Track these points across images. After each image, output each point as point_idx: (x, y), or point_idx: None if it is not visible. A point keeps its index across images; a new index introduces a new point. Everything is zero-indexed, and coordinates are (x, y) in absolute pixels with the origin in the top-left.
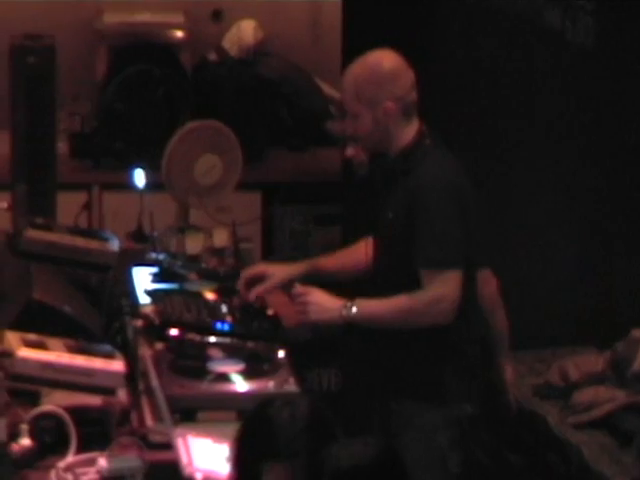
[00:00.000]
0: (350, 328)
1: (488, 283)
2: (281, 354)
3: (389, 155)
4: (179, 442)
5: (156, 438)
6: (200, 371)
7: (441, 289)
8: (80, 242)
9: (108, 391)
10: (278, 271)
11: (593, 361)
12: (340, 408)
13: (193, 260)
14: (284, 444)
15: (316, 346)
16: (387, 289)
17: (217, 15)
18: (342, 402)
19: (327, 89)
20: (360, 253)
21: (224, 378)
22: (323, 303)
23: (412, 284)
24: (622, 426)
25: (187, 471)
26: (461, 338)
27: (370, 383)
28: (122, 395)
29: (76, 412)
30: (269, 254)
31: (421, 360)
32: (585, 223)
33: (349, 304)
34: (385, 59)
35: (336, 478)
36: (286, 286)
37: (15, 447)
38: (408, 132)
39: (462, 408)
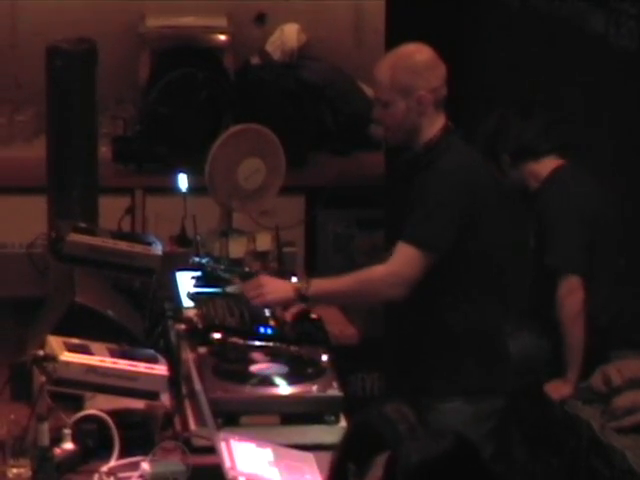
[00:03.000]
0: (390, 331)
1: (572, 293)
2: (324, 358)
3: (413, 149)
4: (222, 446)
5: (199, 442)
6: (243, 375)
7: (399, 266)
8: (123, 246)
9: (151, 395)
10: None
11: (635, 366)
12: None
13: (236, 264)
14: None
15: (360, 350)
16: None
17: (260, 19)
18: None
19: (371, 93)
20: None
21: (267, 382)
22: (277, 284)
23: (434, 285)
24: None
25: (230, 475)
26: (468, 330)
27: (403, 381)
28: (165, 399)
29: (119, 416)
30: (312, 258)
31: (441, 354)
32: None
33: (304, 282)
34: (422, 50)
35: (408, 473)
36: None
37: (58, 451)
38: (435, 126)
39: (492, 402)
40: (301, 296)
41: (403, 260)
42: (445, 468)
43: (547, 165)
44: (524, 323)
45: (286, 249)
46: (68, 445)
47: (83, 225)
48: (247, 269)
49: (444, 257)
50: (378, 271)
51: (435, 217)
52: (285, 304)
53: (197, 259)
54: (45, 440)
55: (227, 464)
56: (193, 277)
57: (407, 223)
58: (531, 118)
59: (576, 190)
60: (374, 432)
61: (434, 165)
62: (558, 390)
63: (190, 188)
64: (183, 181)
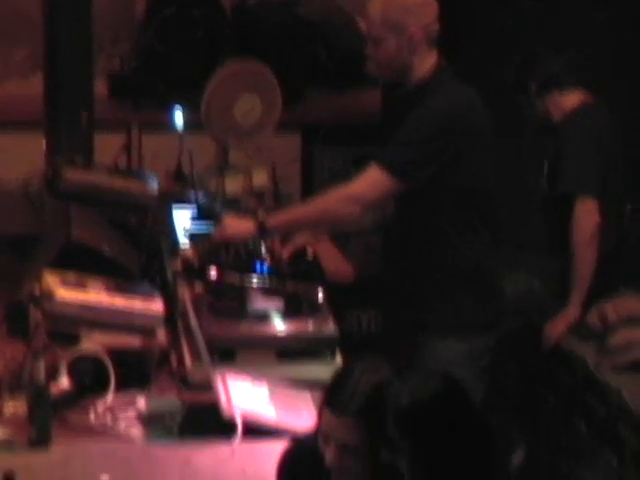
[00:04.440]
0: (387, 268)
1: (586, 216)
2: (320, 295)
3: (406, 86)
4: (218, 383)
5: (195, 379)
6: (239, 312)
7: (362, 186)
8: (119, 183)
9: (147, 332)
10: None
11: (632, 304)
12: (380, 349)
13: (232, 201)
14: (338, 399)
15: (355, 287)
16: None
17: None
18: (382, 343)
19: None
20: None
21: (263, 319)
22: (238, 221)
23: (427, 223)
24: None
25: (226, 412)
26: (462, 267)
27: (399, 320)
28: (161, 336)
29: (115, 353)
30: (308, 195)
31: (435, 291)
32: None
33: (264, 215)
34: None
35: (398, 415)
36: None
37: (54, 388)
38: (427, 63)
39: (486, 340)
40: (262, 229)
41: (368, 181)
42: (435, 409)
43: (571, 99)
44: (519, 262)
45: (283, 186)
46: (64, 382)
47: (79, 162)
48: (243, 206)
49: (434, 195)
50: (336, 192)
51: (411, 149)
52: (247, 238)
53: (193, 196)
54: (41, 377)
55: (223, 401)
56: (189, 214)
57: (384, 149)
58: (562, 52)
59: (597, 125)
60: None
61: (425, 103)
62: (558, 325)
63: (186, 125)
64: (179, 118)
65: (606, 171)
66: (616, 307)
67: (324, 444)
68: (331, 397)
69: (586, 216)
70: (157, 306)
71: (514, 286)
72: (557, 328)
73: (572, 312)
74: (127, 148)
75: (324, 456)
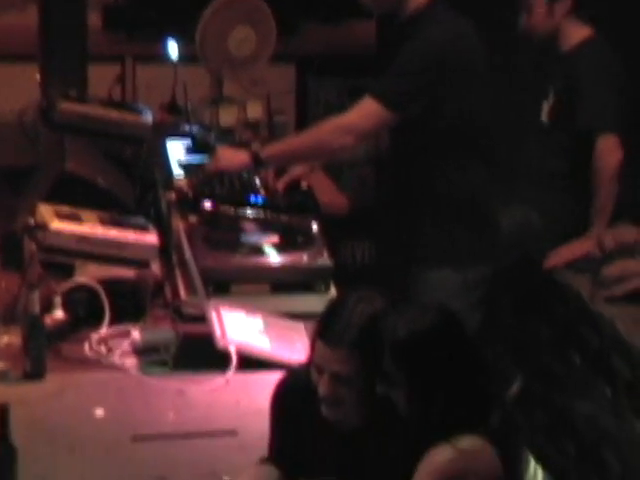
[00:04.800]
0: (381, 200)
1: (609, 153)
2: (315, 227)
3: (400, 18)
4: (212, 315)
5: (190, 311)
6: (233, 244)
7: (356, 117)
8: (114, 114)
9: (142, 264)
10: None
11: (630, 233)
12: (375, 281)
13: (227, 132)
14: (331, 330)
15: (350, 219)
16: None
17: None
18: (376, 275)
19: None
20: None
21: (257, 251)
22: (232, 152)
23: (421, 154)
24: None
25: (220, 343)
26: (456, 197)
27: (393, 251)
28: (156, 268)
29: (109, 285)
30: (303, 127)
31: (430, 221)
32: None
33: (259, 147)
34: None
35: (395, 347)
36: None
37: (48, 319)
38: None
39: (481, 271)
40: (256, 160)
41: (362, 112)
42: (431, 341)
43: (580, 31)
44: (516, 195)
45: (277, 118)
46: (58, 313)
47: (74, 93)
48: (237, 138)
49: (428, 127)
50: (330, 123)
51: (405, 80)
52: (241, 169)
53: (187, 127)
54: (35, 308)
55: (217, 332)
56: (184, 146)
57: (377, 80)
58: None
59: (609, 58)
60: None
61: (419, 34)
62: (579, 247)
63: (181, 56)
64: (173, 49)
65: (622, 104)
66: (614, 236)
67: (318, 375)
68: (325, 328)
69: (609, 153)
70: (151, 238)
71: (511, 219)
72: (565, 254)
73: (588, 244)
74: (121, 80)
75: (318, 387)
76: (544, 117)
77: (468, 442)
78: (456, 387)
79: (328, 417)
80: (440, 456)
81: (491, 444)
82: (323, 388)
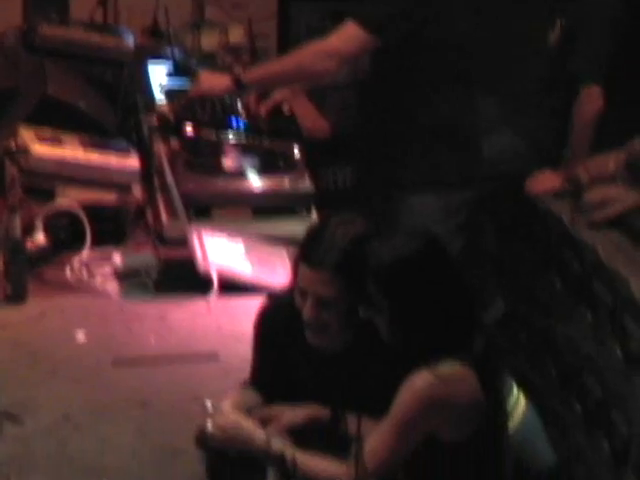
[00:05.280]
0: (362, 124)
1: (590, 101)
2: (297, 151)
3: None
4: (194, 239)
5: (171, 235)
6: (215, 168)
7: (337, 41)
8: (95, 38)
9: (123, 188)
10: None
11: (603, 163)
12: (356, 205)
13: (208, 56)
14: (315, 252)
15: (332, 144)
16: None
17: None
18: (357, 199)
19: None
20: None
21: (239, 175)
22: (214, 76)
23: (402, 79)
24: (636, 225)
25: (202, 267)
26: (438, 122)
27: (375, 176)
28: (137, 192)
29: (91, 209)
30: (285, 51)
31: (412, 146)
32: None
33: (240, 70)
34: None
35: (379, 272)
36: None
37: (30, 243)
38: None
39: (463, 196)
40: (238, 84)
41: (344, 36)
42: (415, 267)
43: None
44: (501, 121)
45: (259, 42)
46: (40, 237)
47: (55, 16)
48: (219, 62)
49: (410, 51)
50: (312, 47)
51: (387, 4)
52: (223, 93)
53: (169, 51)
54: (17, 232)
55: (199, 257)
56: (165, 69)
57: (359, 4)
58: None
59: (612, 4)
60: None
61: None
62: (546, 182)
63: None
64: None
65: (617, 51)
66: (587, 168)
67: (301, 300)
68: (307, 251)
69: (589, 102)
70: (133, 162)
71: (494, 144)
72: (539, 187)
73: (556, 182)
74: (103, 3)
75: (302, 312)
76: (550, 44)
77: (448, 368)
78: (439, 313)
79: (312, 342)
80: (420, 381)
81: (472, 370)
82: (307, 312)
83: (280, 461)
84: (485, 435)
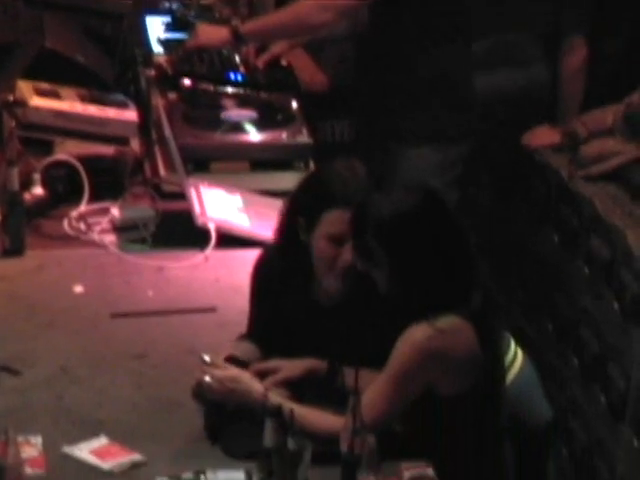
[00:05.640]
0: (361, 77)
1: (574, 51)
2: (294, 105)
3: None
4: (192, 192)
5: (169, 188)
6: (213, 121)
7: None
8: None
9: (121, 141)
10: None
11: (601, 117)
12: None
13: (206, 9)
14: (347, 194)
15: (329, 97)
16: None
17: None
18: (354, 153)
19: None
20: None
21: (237, 128)
22: (211, 28)
23: (401, 31)
24: (633, 179)
25: (200, 220)
26: (436, 74)
27: (373, 129)
28: (135, 145)
29: (89, 161)
30: (282, 3)
31: (410, 99)
32: None
33: (238, 22)
34: None
35: (379, 227)
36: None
37: (28, 196)
38: None
39: (460, 149)
40: (236, 35)
41: None
42: (415, 221)
43: None
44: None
45: None
46: (38, 190)
47: None
48: (217, 15)
49: (408, 3)
50: (304, 5)
51: None
52: (221, 45)
53: (167, 4)
54: (15, 185)
55: (196, 210)
56: (163, 22)
57: None
58: None
59: None
60: (323, 189)
61: None
62: (544, 136)
63: None
64: None
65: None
66: (585, 122)
67: (331, 246)
68: (340, 195)
69: (573, 52)
70: (131, 115)
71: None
72: (537, 142)
73: (555, 137)
74: None
75: (331, 261)
76: None
77: (447, 321)
78: (438, 267)
79: (338, 290)
80: (418, 333)
81: (470, 324)
82: (347, 257)
83: (277, 414)
84: (483, 389)
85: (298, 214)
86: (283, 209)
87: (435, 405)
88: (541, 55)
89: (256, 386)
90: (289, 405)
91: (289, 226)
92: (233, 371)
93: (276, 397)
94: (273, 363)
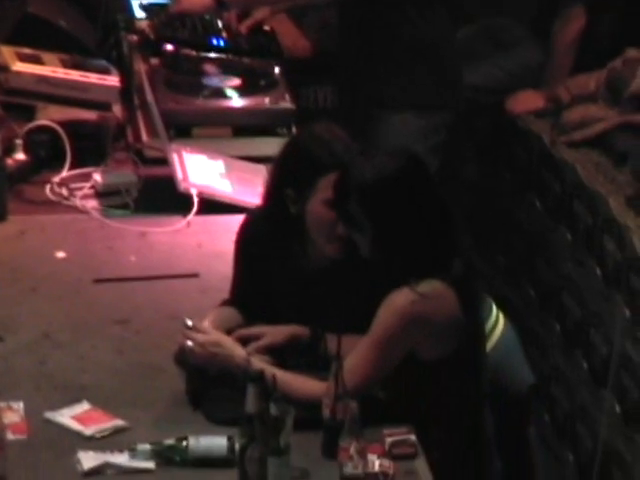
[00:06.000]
0: (344, 43)
1: (572, 21)
2: (277, 70)
3: None
4: (174, 158)
5: (151, 154)
6: (195, 87)
7: None
8: None
9: (103, 106)
10: None
11: (584, 82)
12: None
13: None
14: (335, 156)
15: (312, 63)
16: None
17: None
18: (337, 119)
19: None
20: None
21: (219, 94)
22: None
23: None
24: (616, 145)
25: (182, 186)
26: (420, 42)
27: (356, 95)
28: (117, 111)
29: (71, 127)
30: None
31: (393, 65)
32: None
33: None
34: None
35: (363, 191)
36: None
37: (10, 161)
38: None
39: (442, 115)
40: (219, 2)
41: None
42: (398, 186)
43: None
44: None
45: None
46: (20, 155)
47: None
48: None
49: None
50: None
51: None
52: (204, 11)
53: None
54: None
55: (179, 175)
56: None
57: None
58: None
59: None
60: (310, 156)
61: None
62: (528, 101)
63: None
64: None
65: None
66: (568, 87)
67: (328, 210)
68: (337, 157)
69: (573, 22)
70: (113, 80)
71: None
72: (521, 107)
73: (539, 102)
74: None
75: (328, 227)
76: None
77: (429, 286)
78: (420, 232)
79: (336, 256)
80: (401, 298)
81: (452, 289)
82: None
83: (259, 380)
84: (464, 353)
85: (285, 186)
86: (268, 179)
87: (417, 370)
88: (528, 37)
89: (238, 351)
90: (271, 370)
91: (276, 197)
92: (216, 336)
93: (259, 362)
94: (256, 329)
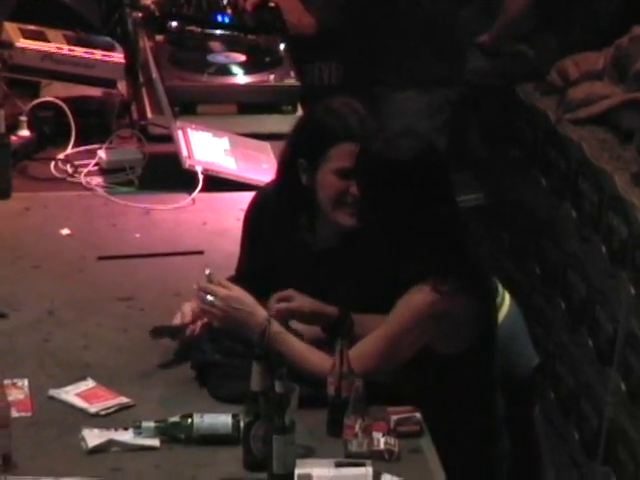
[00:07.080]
0: (349, 20)
1: None
2: (282, 47)
3: None
4: (179, 135)
5: (156, 130)
6: (200, 63)
7: None
8: None
9: (108, 83)
10: None
11: (594, 59)
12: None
13: None
14: (349, 127)
15: (317, 39)
16: None
17: None
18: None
19: None
20: None
21: (225, 71)
22: None
23: None
24: (622, 123)
25: (187, 163)
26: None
27: (360, 71)
28: (122, 87)
29: (76, 103)
30: None
31: (400, 41)
32: None
33: None
34: None
35: (378, 169)
36: None
37: (14, 138)
38: None
39: (447, 93)
40: None
41: None
42: (407, 167)
43: None
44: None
45: None
46: (24, 132)
47: None
48: None
49: None
50: None
51: None
52: None
53: None
54: (1, 127)
55: (184, 152)
56: None
57: None
58: None
59: None
60: (324, 127)
61: None
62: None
63: None
64: None
65: None
66: (577, 63)
67: (341, 181)
68: (350, 129)
69: None
70: (118, 57)
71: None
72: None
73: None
74: None
75: (340, 195)
76: None
77: (447, 282)
78: (431, 219)
79: (348, 224)
80: (420, 297)
81: (470, 283)
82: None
83: (264, 358)
84: (479, 347)
85: (298, 155)
86: (282, 151)
87: (431, 362)
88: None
89: (260, 310)
90: (287, 336)
91: (289, 168)
92: (238, 291)
93: (278, 325)
94: (287, 292)
